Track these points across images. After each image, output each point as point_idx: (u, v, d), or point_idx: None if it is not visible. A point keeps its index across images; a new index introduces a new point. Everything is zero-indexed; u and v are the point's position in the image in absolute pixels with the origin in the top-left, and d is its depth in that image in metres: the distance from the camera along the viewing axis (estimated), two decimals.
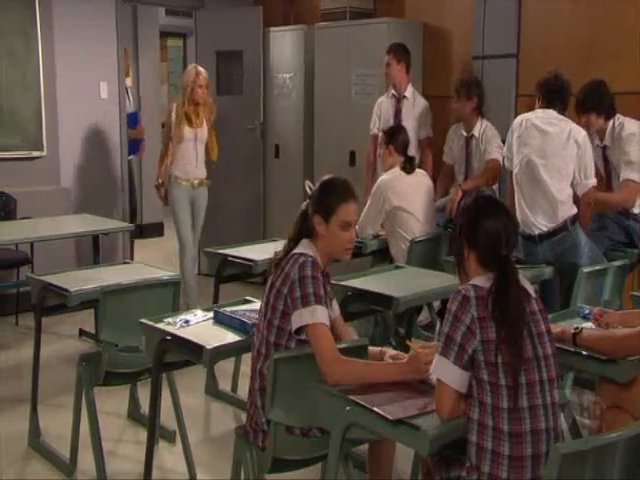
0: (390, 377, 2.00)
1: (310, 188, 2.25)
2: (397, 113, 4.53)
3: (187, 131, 4.44)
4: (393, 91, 4.57)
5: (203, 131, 4.52)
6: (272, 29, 5.50)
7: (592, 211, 3.53)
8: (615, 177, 3.67)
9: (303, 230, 2.21)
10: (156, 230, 7.43)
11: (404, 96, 4.56)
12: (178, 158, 4.50)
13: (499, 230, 1.87)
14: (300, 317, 2.04)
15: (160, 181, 4.58)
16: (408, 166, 3.89)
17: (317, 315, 2.04)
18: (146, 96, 7.14)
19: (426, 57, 4.97)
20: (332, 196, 2.17)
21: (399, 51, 4.49)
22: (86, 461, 2.78)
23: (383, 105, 4.59)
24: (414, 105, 4.56)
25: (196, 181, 4.54)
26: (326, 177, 2.26)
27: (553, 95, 3.48)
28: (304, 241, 2.20)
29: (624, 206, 3.62)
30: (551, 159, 3.36)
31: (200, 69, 4.49)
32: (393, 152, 3.91)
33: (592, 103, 3.58)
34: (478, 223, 1.88)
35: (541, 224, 3.37)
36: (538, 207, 3.37)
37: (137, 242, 5.97)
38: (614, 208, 3.65)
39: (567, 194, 3.39)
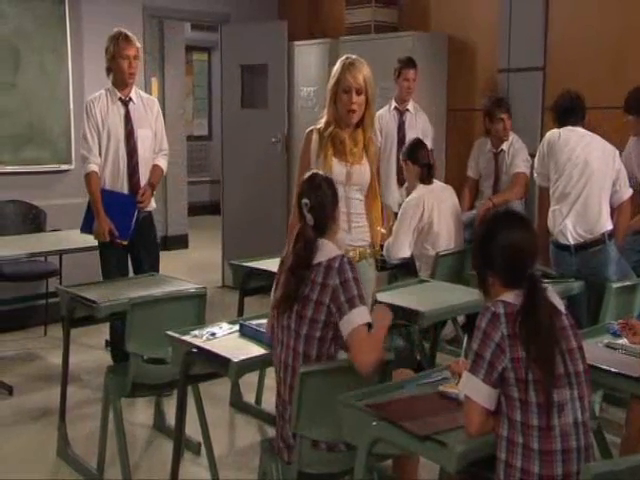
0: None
1: (306, 205, 2.16)
2: (401, 126, 4.54)
3: (336, 167, 2.61)
4: (395, 104, 4.58)
5: (362, 171, 2.67)
6: (297, 43, 5.55)
7: (628, 220, 3.56)
8: None
9: (315, 236, 2.15)
10: (181, 242, 7.49)
11: (407, 109, 4.57)
12: None
13: (521, 248, 1.83)
14: (349, 322, 2.07)
15: None
16: (426, 174, 3.89)
17: (364, 316, 2.09)
18: (171, 110, 7.23)
19: (451, 70, 4.96)
20: (332, 185, 2.23)
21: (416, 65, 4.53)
22: (113, 471, 2.81)
23: (384, 119, 4.56)
24: (417, 118, 4.57)
25: (350, 255, 2.52)
26: (310, 181, 2.22)
27: (579, 113, 3.53)
28: (323, 241, 2.16)
29: None
30: (598, 172, 3.39)
31: (356, 58, 2.65)
32: (414, 167, 3.91)
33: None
34: (496, 243, 1.83)
35: (580, 234, 3.37)
36: (582, 217, 3.37)
37: (162, 254, 6.00)
38: None
39: (607, 209, 3.43)
